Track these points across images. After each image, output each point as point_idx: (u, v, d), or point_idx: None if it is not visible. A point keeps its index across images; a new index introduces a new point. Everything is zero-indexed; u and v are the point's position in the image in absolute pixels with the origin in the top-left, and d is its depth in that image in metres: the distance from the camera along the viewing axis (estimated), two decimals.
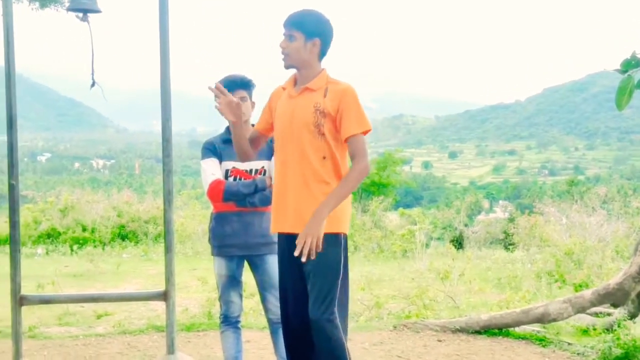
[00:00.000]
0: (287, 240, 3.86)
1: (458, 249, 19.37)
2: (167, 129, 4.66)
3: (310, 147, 3.79)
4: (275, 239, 4.71)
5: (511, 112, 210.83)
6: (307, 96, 3.86)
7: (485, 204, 63.58)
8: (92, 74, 5.06)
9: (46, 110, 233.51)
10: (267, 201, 4.59)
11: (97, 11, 4.99)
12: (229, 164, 4.68)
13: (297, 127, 3.82)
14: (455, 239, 22.92)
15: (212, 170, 4.64)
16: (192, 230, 19.59)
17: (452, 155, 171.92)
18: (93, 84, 5.13)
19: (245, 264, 4.81)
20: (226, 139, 4.69)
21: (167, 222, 4.74)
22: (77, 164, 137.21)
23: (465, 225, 24.91)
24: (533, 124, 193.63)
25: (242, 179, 4.67)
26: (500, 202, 63.68)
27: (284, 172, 3.88)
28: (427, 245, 16.87)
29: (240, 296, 4.82)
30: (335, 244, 3.75)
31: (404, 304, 9.23)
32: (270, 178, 4.65)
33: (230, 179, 4.68)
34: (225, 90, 3.98)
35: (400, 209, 27.11)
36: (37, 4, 8.79)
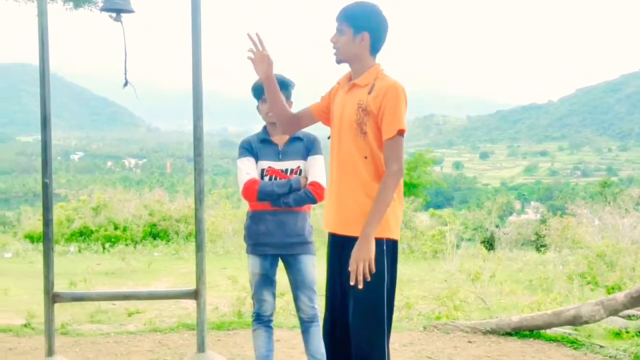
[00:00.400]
0: (332, 239, 3.84)
1: (489, 250, 19.28)
2: (198, 128, 4.68)
3: (353, 145, 3.68)
4: (310, 239, 4.73)
5: (543, 112, 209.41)
6: (354, 93, 3.74)
7: (517, 205, 63.12)
8: (125, 74, 5.10)
9: (79, 109, 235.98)
10: (301, 201, 4.60)
11: (131, 11, 5.03)
12: (265, 164, 4.70)
13: (343, 125, 3.73)
14: (486, 240, 22.81)
15: (248, 169, 4.66)
16: (222, 229, 19.68)
17: (484, 156, 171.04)
18: (126, 84, 5.17)
19: (280, 263, 4.83)
20: (263, 139, 4.73)
21: (198, 221, 4.77)
22: (109, 163, 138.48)
23: (497, 226, 24.79)
24: (566, 125, 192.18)
25: (278, 178, 4.68)
26: (532, 203, 63.15)
27: (332, 170, 3.82)
28: (457, 246, 16.80)
29: (273, 295, 4.83)
30: (377, 250, 3.60)
31: (434, 304, 9.20)
32: (306, 178, 4.66)
33: (266, 178, 4.69)
34: (263, 43, 3.86)
35: (431, 209, 27.02)
36: (71, 4, 8.89)
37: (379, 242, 3.61)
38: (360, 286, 3.51)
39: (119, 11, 5.02)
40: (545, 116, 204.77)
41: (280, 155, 4.71)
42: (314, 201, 4.62)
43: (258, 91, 4.67)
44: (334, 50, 3.78)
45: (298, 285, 4.74)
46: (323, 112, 4.00)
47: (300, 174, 4.71)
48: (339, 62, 3.81)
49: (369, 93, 3.65)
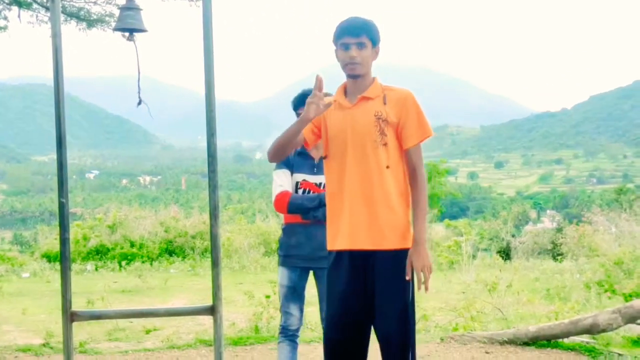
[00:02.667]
0: (353, 256, 3.73)
1: (505, 260, 19.22)
2: (212, 144, 4.69)
3: (373, 157, 3.66)
4: None
5: (558, 120, 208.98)
6: (364, 105, 3.73)
7: (533, 214, 62.86)
8: (139, 92, 5.13)
9: (94, 128, 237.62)
10: None
11: (143, 30, 5.06)
12: (300, 176, 4.73)
13: (358, 139, 3.70)
14: (502, 249, 22.71)
15: (281, 181, 4.69)
16: (238, 245, 19.68)
17: (498, 165, 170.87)
18: (140, 102, 5.21)
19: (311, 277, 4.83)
20: (301, 152, 4.74)
21: (213, 237, 4.77)
22: (124, 181, 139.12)
23: (513, 235, 24.68)
24: (580, 132, 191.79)
25: (311, 191, 4.70)
26: (548, 211, 62.95)
27: (342, 186, 3.74)
28: (473, 257, 16.74)
29: (301, 310, 4.83)
30: (406, 260, 3.66)
31: (451, 316, 9.17)
32: None
33: (300, 191, 4.72)
34: (323, 89, 3.73)
35: (446, 220, 27.03)
36: (84, 24, 9.00)
37: (406, 252, 3.68)
38: (427, 292, 3.61)
39: (131, 31, 5.05)
40: (559, 124, 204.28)
41: (315, 169, 4.74)
42: None
43: (299, 103, 4.70)
44: (354, 65, 3.72)
45: (325, 298, 4.75)
46: (313, 133, 3.93)
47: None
48: (357, 76, 3.76)
49: (384, 104, 3.69)
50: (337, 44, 3.77)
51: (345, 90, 3.84)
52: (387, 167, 3.67)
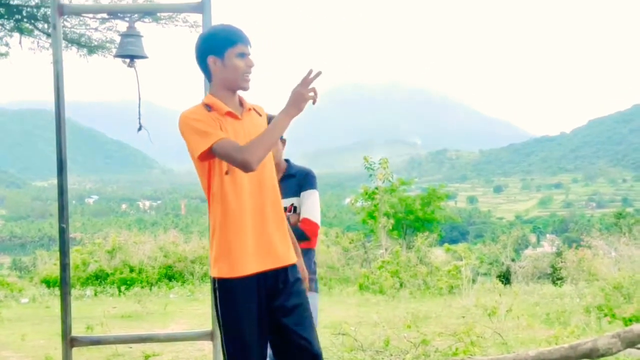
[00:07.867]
0: (264, 278, 3.51)
1: (505, 284, 19.16)
2: None
3: (268, 171, 3.56)
4: (313, 276, 4.65)
5: (556, 144, 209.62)
6: (251, 117, 3.58)
7: (532, 238, 62.98)
8: (139, 118, 5.17)
9: (93, 153, 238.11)
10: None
11: (144, 57, 5.11)
12: None
13: None
14: (502, 274, 22.68)
15: None
16: None
17: (497, 190, 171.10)
18: (140, 128, 5.24)
19: None
20: None
21: None
22: (124, 206, 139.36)
23: (512, 260, 24.65)
24: (579, 157, 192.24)
25: None
26: (548, 236, 62.98)
27: (243, 204, 3.46)
28: (473, 281, 16.71)
29: None
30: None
31: (451, 340, 9.14)
32: (299, 215, 4.61)
33: None
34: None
35: (446, 244, 26.95)
36: (85, 50, 9.08)
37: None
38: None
39: (132, 57, 5.10)
40: (558, 148, 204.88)
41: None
42: (305, 238, 4.51)
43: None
44: (249, 77, 3.53)
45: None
46: None
47: (294, 211, 4.63)
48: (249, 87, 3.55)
49: (260, 115, 3.66)
50: (227, 52, 3.45)
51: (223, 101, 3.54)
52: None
